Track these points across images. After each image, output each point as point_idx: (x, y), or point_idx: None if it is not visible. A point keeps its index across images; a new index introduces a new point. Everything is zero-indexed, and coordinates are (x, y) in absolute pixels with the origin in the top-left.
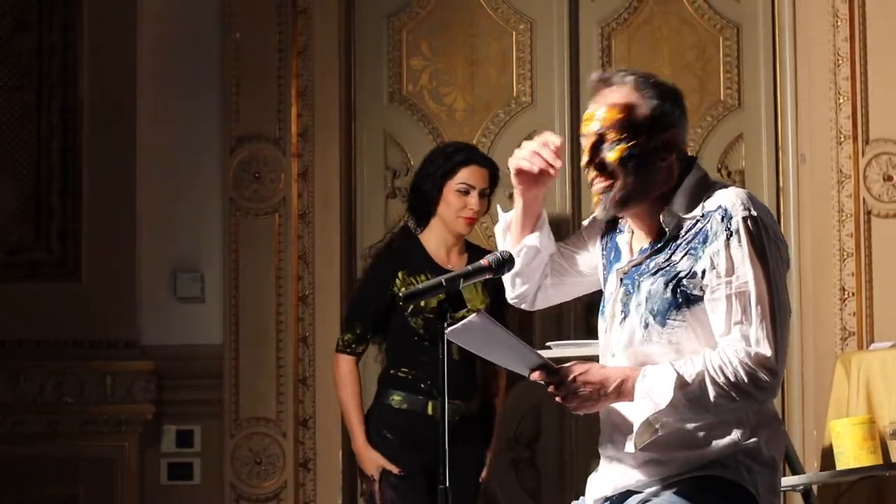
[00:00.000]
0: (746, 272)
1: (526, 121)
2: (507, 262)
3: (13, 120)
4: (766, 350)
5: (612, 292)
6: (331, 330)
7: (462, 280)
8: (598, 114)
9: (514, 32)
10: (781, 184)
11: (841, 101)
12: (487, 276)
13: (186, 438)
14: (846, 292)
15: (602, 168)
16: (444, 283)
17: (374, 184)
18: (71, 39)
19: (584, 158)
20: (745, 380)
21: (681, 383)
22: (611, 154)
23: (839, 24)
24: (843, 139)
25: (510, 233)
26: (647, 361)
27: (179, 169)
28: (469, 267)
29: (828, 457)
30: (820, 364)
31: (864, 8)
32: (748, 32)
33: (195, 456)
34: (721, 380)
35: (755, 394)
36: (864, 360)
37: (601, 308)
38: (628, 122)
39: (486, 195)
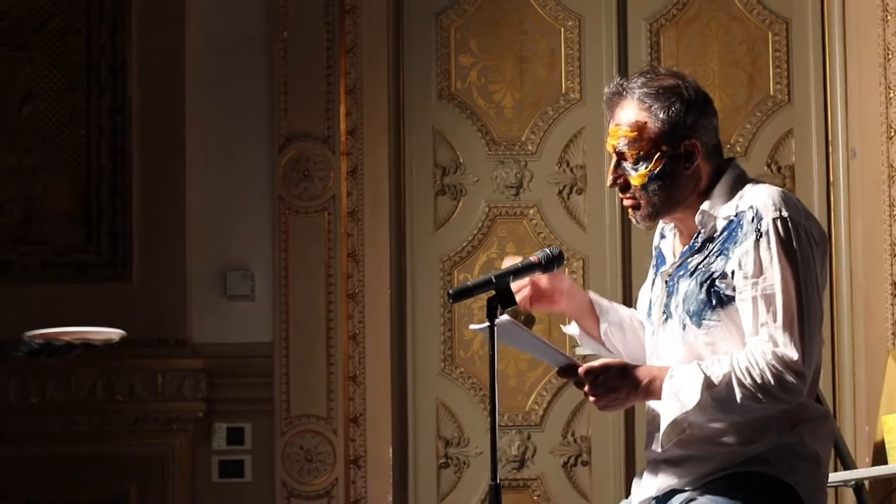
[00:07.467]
0: (774, 274)
1: (574, 118)
2: (556, 258)
3: (63, 121)
4: (793, 352)
5: (658, 295)
6: (380, 327)
7: (512, 276)
8: (614, 132)
9: (562, 29)
10: (832, 179)
11: (891, 95)
12: (538, 273)
13: (237, 436)
14: None
15: (626, 189)
16: (494, 280)
17: (424, 181)
18: (120, 41)
19: (609, 179)
20: (772, 382)
21: (708, 384)
22: (633, 178)
23: (889, 17)
24: (893, 133)
25: (586, 337)
26: (689, 362)
27: (228, 168)
28: (519, 263)
29: (880, 452)
30: (871, 359)
31: None
32: (797, 27)
33: (246, 453)
34: (748, 381)
35: (781, 396)
36: None
37: (648, 312)
38: (642, 141)
39: None
